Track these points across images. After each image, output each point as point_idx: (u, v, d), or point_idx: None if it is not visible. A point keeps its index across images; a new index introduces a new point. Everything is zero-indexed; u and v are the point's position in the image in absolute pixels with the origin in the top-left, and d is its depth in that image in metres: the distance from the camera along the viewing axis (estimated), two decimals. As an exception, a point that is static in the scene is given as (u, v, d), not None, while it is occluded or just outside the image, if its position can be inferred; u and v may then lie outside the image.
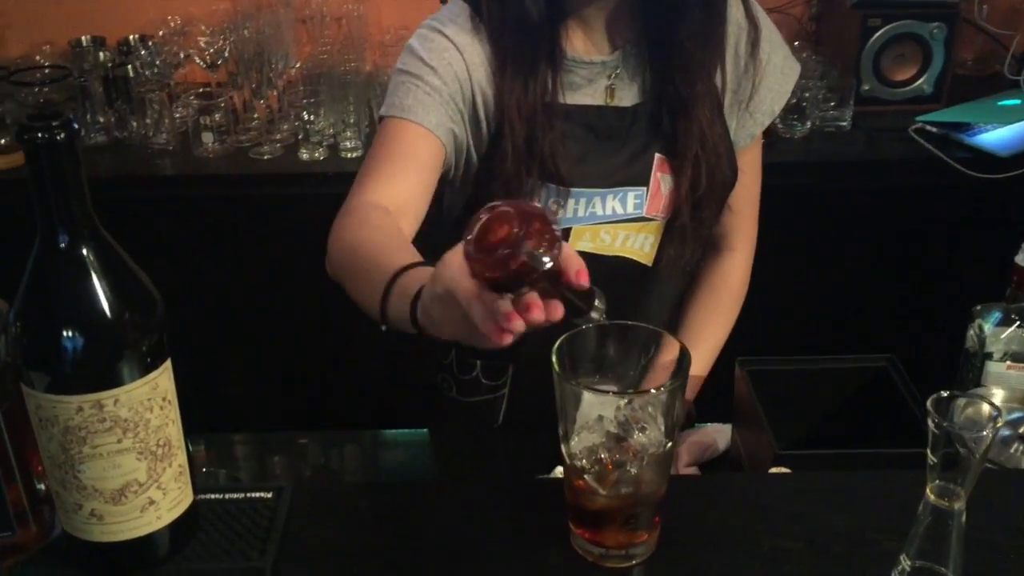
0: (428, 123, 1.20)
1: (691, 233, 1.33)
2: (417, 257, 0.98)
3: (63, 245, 0.81)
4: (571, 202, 1.28)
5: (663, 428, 0.89)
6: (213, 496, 1.01)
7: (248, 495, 1.01)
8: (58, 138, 0.78)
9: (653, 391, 0.88)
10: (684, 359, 0.89)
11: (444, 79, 1.22)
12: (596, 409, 0.89)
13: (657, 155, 1.30)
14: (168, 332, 0.87)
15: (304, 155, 2.32)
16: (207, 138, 2.35)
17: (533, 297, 0.73)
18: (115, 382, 0.83)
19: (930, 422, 0.83)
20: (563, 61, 1.26)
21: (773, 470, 1.13)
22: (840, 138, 2.37)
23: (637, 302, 1.41)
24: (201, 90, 2.44)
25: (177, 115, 2.41)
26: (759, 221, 1.51)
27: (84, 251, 0.82)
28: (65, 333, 0.81)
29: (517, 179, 1.25)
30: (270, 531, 0.97)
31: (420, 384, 1.60)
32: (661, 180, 1.31)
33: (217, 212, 2.34)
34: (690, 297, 1.52)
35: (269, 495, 1.02)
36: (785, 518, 1.00)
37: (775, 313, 2.08)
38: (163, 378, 0.87)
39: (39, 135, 0.78)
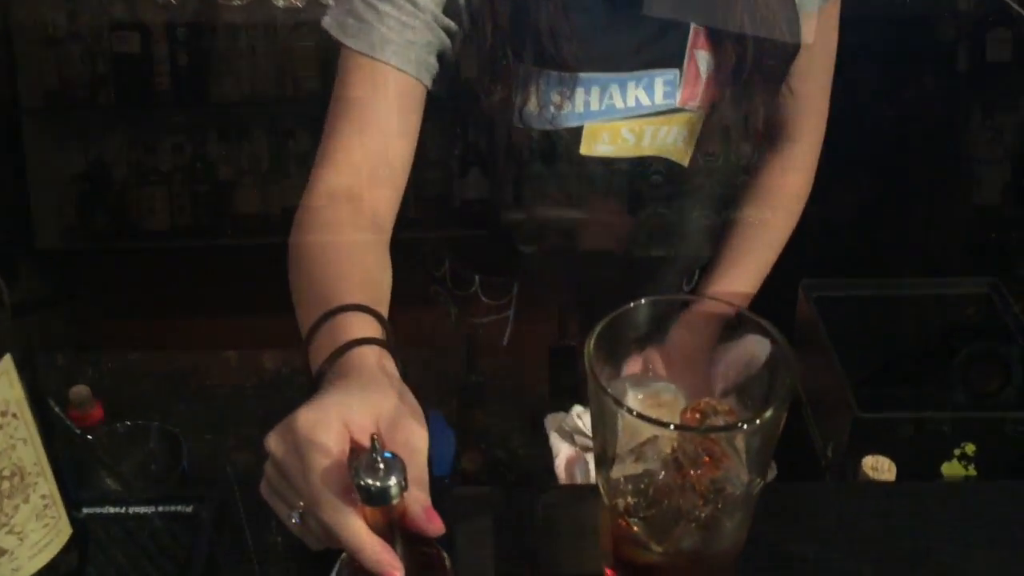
0: (384, 55, 0.92)
1: (735, 127, 1.04)
2: (363, 293, 0.78)
3: None
4: (580, 92, 0.98)
5: (748, 461, 0.61)
6: (112, 510, 0.74)
7: (160, 509, 0.74)
8: None
9: (743, 426, 0.60)
10: (789, 371, 0.60)
11: None
12: (649, 426, 0.61)
13: (693, 26, 0.98)
14: (7, 321, 0.58)
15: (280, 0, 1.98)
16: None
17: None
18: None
19: None
20: None
21: (869, 461, 0.84)
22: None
23: (670, 211, 1.12)
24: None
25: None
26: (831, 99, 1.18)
27: None
28: None
29: (503, 65, 0.96)
30: (186, 568, 0.70)
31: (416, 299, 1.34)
32: (699, 59, 1.00)
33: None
34: (738, 200, 1.22)
35: (189, 509, 0.74)
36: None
37: (850, 222, 1.75)
38: None
39: None
